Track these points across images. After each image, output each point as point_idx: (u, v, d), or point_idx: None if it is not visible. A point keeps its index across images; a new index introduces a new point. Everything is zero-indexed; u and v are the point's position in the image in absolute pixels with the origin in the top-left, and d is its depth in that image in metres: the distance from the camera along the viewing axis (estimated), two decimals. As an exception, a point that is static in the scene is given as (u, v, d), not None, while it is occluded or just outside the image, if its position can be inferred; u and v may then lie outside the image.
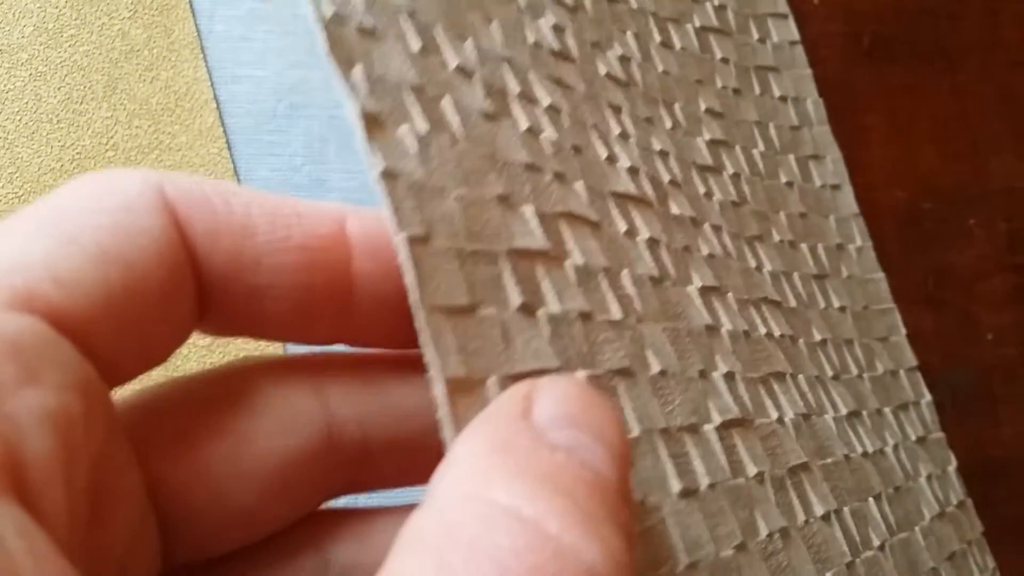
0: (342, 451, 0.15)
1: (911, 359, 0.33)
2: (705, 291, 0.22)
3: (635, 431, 0.17)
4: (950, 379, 0.34)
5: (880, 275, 0.34)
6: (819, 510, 0.22)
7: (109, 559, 0.11)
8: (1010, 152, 0.37)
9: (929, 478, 0.29)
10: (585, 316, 0.17)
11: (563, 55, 0.23)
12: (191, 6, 0.35)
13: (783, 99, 0.34)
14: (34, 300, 0.11)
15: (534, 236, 0.16)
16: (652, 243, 0.21)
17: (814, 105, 0.35)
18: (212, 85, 0.35)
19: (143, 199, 0.12)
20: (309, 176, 0.34)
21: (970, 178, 0.36)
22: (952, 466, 0.32)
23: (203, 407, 0.14)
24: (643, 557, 0.16)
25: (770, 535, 0.19)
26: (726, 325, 0.22)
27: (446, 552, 0.09)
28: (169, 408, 0.14)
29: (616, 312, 0.18)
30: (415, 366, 0.15)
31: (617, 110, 0.25)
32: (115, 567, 0.11)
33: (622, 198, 0.21)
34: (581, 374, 0.15)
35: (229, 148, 0.34)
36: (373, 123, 0.14)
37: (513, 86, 0.20)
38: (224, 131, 0.34)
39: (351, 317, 0.14)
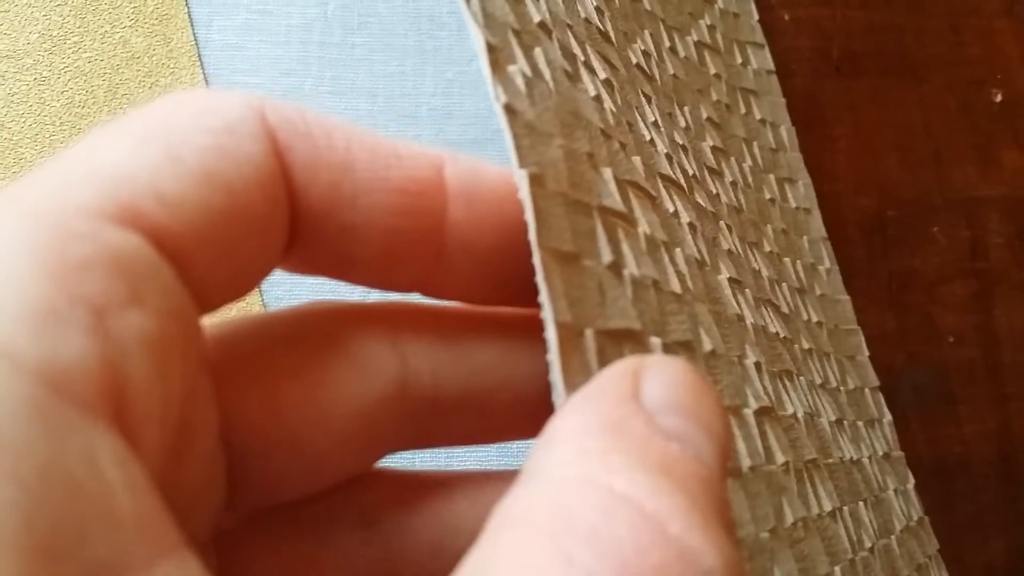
0: (414, 402, 0.14)
1: (874, 379, 0.34)
2: (731, 282, 0.22)
3: None
4: (913, 379, 0.36)
5: (846, 297, 0.35)
6: (827, 506, 0.22)
7: (183, 498, 0.11)
8: (971, 163, 0.38)
9: (896, 492, 0.31)
10: (656, 284, 0.16)
11: (606, 37, 0.23)
12: (189, 16, 0.37)
13: (763, 122, 0.35)
14: (139, 217, 0.10)
15: (614, 198, 0.16)
16: (692, 227, 0.21)
17: (787, 132, 0.36)
18: (208, 91, 0.36)
19: (246, 124, 0.12)
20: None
21: (933, 187, 0.38)
22: (911, 484, 0.33)
23: (281, 347, 0.13)
24: None
25: (794, 523, 0.19)
26: (749, 318, 0.22)
27: (563, 539, 0.09)
28: (248, 345, 0.13)
29: (677, 286, 0.17)
30: (489, 323, 0.15)
31: (648, 99, 0.24)
32: (186, 507, 0.11)
33: (666, 180, 0.21)
34: (656, 341, 0.15)
35: (224, 151, 0.36)
36: (495, 55, 0.14)
37: (579, 52, 0.19)
38: (219, 135, 0.36)
39: (437, 267, 0.14)
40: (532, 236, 0.12)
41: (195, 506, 0.12)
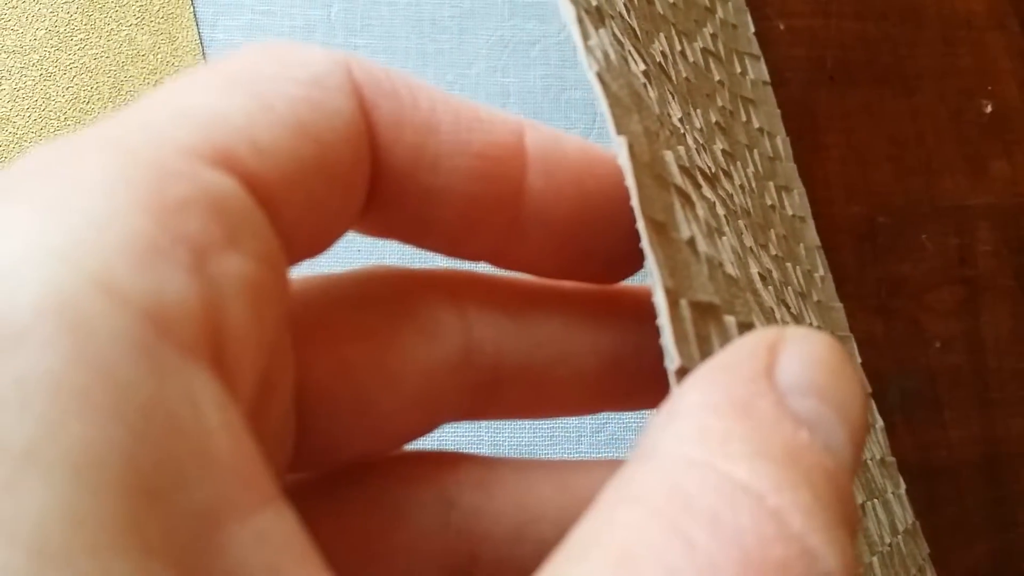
0: (477, 370, 0.14)
1: (867, 386, 0.35)
2: (760, 276, 0.22)
3: None
4: (900, 384, 0.36)
5: (839, 305, 0.35)
6: (859, 499, 0.23)
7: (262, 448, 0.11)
8: (961, 172, 0.39)
9: (894, 495, 0.31)
10: (720, 265, 0.16)
11: (635, 34, 0.23)
12: (195, 15, 0.38)
13: (760, 131, 0.36)
14: (233, 161, 0.10)
15: (678, 178, 0.16)
16: (727, 219, 0.21)
17: (783, 142, 0.37)
18: (212, 89, 0.37)
19: (334, 78, 0.12)
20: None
21: (923, 195, 0.38)
22: (902, 489, 0.33)
23: (352, 306, 0.13)
24: None
25: None
26: (776, 313, 0.22)
27: (680, 520, 0.09)
28: (319, 303, 0.13)
29: (732, 271, 0.17)
30: (553, 297, 0.15)
31: (672, 95, 0.25)
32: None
33: (701, 172, 0.21)
34: (730, 320, 0.15)
35: (226, 149, 0.36)
36: (583, 27, 0.14)
37: (624, 41, 0.19)
38: (222, 133, 0.36)
39: (511, 236, 0.14)
40: (635, 202, 0.12)
41: (271, 457, 0.12)
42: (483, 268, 0.15)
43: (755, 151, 0.34)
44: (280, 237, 0.11)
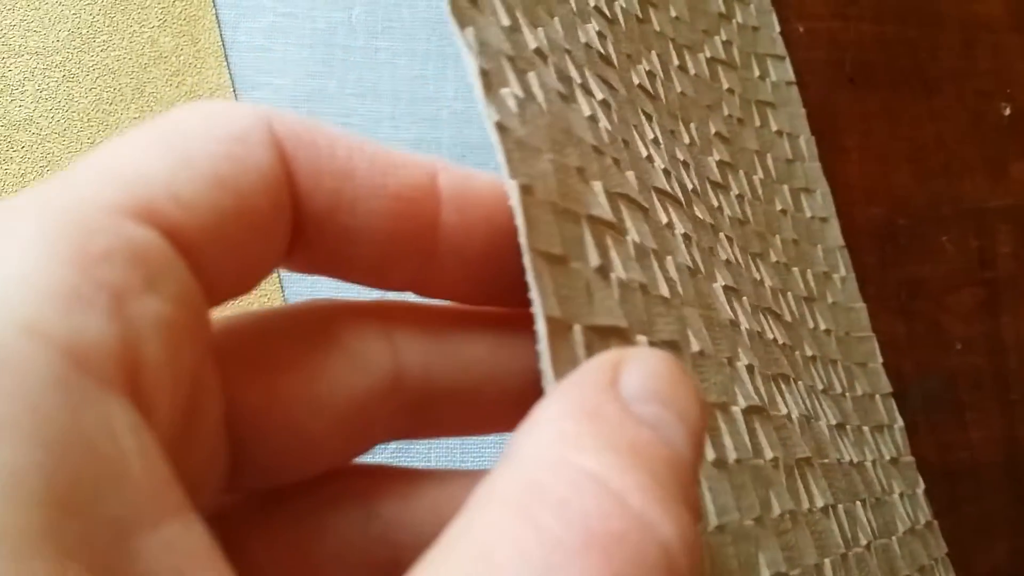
0: (406, 394, 0.15)
1: (886, 386, 0.35)
2: (727, 290, 0.23)
3: None
4: (921, 385, 0.36)
5: (861, 305, 0.35)
6: (819, 502, 0.23)
7: (189, 475, 0.12)
8: (981, 174, 0.39)
9: (902, 496, 0.31)
10: (643, 288, 0.17)
11: (607, 60, 0.24)
12: (217, 17, 0.38)
13: (779, 133, 0.36)
14: (155, 215, 0.11)
15: (603, 208, 0.17)
16: (686, 238, 0.22)
17: (806, 142, 0.37)
18: (234, 91, 0.37)
19: (255, 133, 0.13)
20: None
21: (943, 197, 0.38)
22: (920, 488, 0.33)
23: (282, 339, 0.14)
24: None
25: (782, 515, 0.20)
26: (744, 323, 0.23)
27: (534, 510, 0.10)
28: (251, 336, 0.14)
29: (665, 291, 0.18)
30: (478, 321, 0.16)
31: (649, 117, 0.26)
32: (191, 484, 0.11)
33: (661, 193, 0.22)
34: (642, 339, 0.16)
35: (248, 150, 0.36)
36: (487, 79, 0.15)
37: (576, 76, 0.20)
38: (244, 134, 0.36)
39: (430, 268, 0.15)
40: (522, 239, 0.13)
41: (199, 484, 0.13)
42: (411, 297, 0.16)
43: (768, 156, 0.34)
44: (201, 280, 0.12)
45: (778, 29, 0.38)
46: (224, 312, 0.14)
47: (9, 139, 0.35)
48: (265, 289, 0.35)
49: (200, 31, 0.37)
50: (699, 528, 0.12)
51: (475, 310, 0.16)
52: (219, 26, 0.37)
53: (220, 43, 0.37)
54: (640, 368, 0.12)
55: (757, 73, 0.36)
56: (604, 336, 0.14)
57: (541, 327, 0.13)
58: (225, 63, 0.37)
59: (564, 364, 0.13)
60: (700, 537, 0.12)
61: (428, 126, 0.37)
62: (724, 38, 0.35)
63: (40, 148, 0.35)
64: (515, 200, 0.14)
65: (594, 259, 0.16)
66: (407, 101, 0.37)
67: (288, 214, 0.13)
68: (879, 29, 0.40)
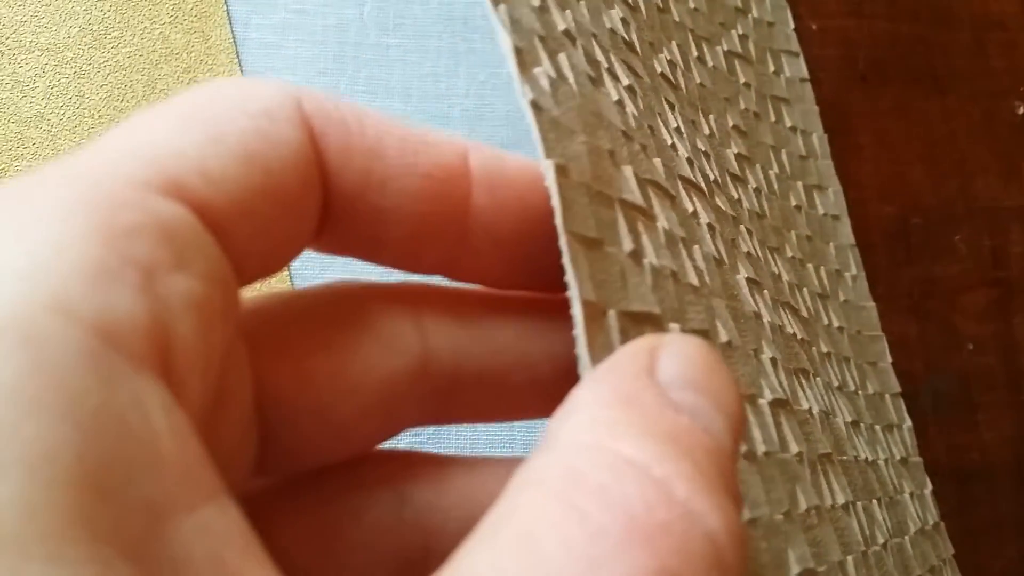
0: (435, 378, 0.15)
1: (895, 386, 0.34)
2: (750, 282, 0.23)
3: None
4: (933, 385, 0.36)
5: (871, 304, 0.35)
6: (840, 499, 0.23)
7: (219, 459, 0.11)
8: (994, 173, 0.39)
9: (912, 496, 0.31)
10: (674, 275, 0.17)
11: (631, 46, 0.24)
12: (228, 14, 0.38)
13: (793, 129, 0.35)
14: (183, 191, 0.11)
15: (634, 193, 0.16)
16: (711, 228, 0.22)
17: (819, 139, 0.37)
18: (245, 88, 0.37)
19: (284, 110, 0.12)
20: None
21: (956, 196, 0.38)
22: (928, 489, 0.33)
23: (311, 321, 0.14)
24: None
25: (808, 510, 0.20)
26: (766, 316, 0.23)
27: (574, 496, 0.10)
28: (280, 318, 0.14)
29: (694, 279, 0.18)
30: (507, 306, 0.16)
31: (672, 106, 0.25)
32: (222, 466, 0.11)
33: (686, 182, 0.22)
34: (674, 327, 0.15)
35: (259, 147, 0.36)
36: (521, 57, 0.14)
37: (602, 60, 0.20)
38: (255, 131, 0.36)
39: (461, 250, 0.15)
40: (558, 221, 0.13)
41: (229, 468, 0.12)
42: (440, 281, 0.16)
43: (783, 151, 0.34)
44: (231, 259, 0.12)
45: (792, 26, 0.38)
46: (250, 293, 0.14)
47: (21, 135, 0.35)
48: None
49: (211, 27, 0.37)
50: (742, 520, 0.12)
51: (504, 295, 0.16)
52: (230, 22, 0.37)
53: (231, 39, 0.37)
54: (677, 354, 0.12)
55: (772, 68, 0.36)
56: (638, 322, 0.14)
57: (577, 312, 0.12)
58: (236, 60, 0.37)
59: (599, 350, 0.12)
60: (745, 529, 0.11)
61: (439, 124, 0.37)
62: (740, 32, 0.35)
63: (51, 144, 0.35)
64: (551, 181, 0.13)
65: (627, 244, 0.15)
66: (418, 98, 0.37)
67: (317, 193, 0.13)
68: (892, 27, 0.40)
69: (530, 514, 0.10)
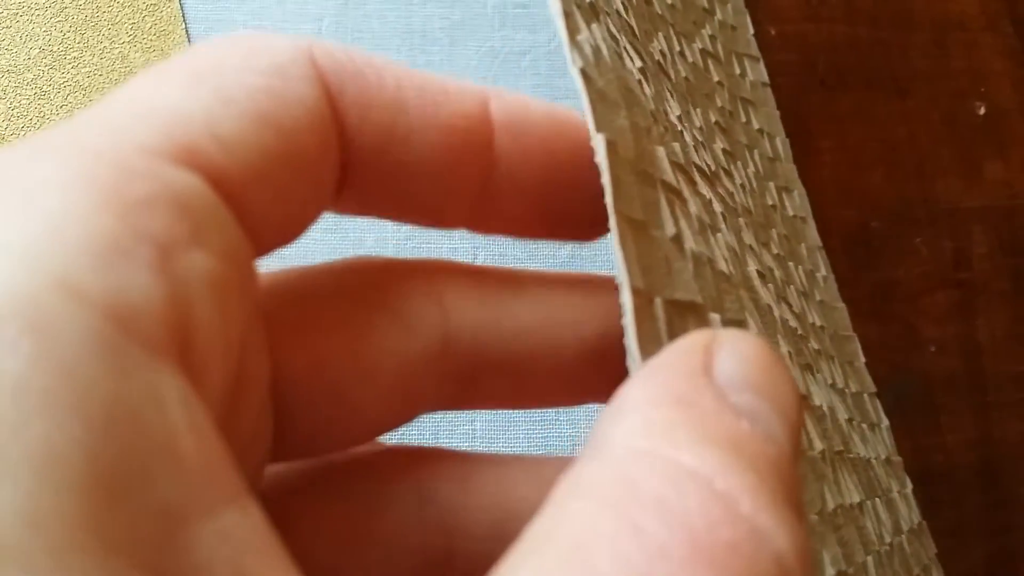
0: (455, 360, 0.14)
1: (871, 385, 0.35)
2: (759, 274, 0.22)
3: None
4: (895, 388, 0.36)
5: (842, 305, 0.35)
6: (856, 497, 0.23)
7: (236, 448, 0.10)
8: (955, 175, 0.39)
9: (900, 494, 0.31)
10: (711, 262, 0.16)
11: (632, 31, 0.23)
12: (187, 32, 0.38)
13: (760, 132, 0.35)
14: (197, 157, 0.10)
15: (669, 175, 0.16)
16: (724, 217, 0.21)
17: (782, 143, 0.37)
18: (205, 105, 0.37)
19: (296, 66, 0.12)
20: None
21: (916, 199, 0.38)
22: (908, 488, 0.33)
23: (328, 299, 0.13)
24: None
25: (834, 510, 0.19)
26: (775, 310, 0.22)
27: (629, 508, 0.09)
28: (295, 296, 0.13)
29: (724, 267, 0.17)
30: (532, 284, 0.15)
31: (671, 93, 0.25)
32: (239, 457, 0.10)
33: (698, 169, 0.21)
34: (715, 317, 0.15)
35: (219, 164, 0.36)
36: (570, 21, 0.14)
37: (621, 39, 0.19)
38: (215, 148, 0.37)
39: (486, 200, 0.14)
40: (609, 201, 0.12)
41: (246, 460, 0.12)
42: (462, 258, 0.15)
43: (755, 151, 0.34)
44: (247, 231, 0.11)
45: (752, 31, 0.38)
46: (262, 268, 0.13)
47: (-20, 158, 0.35)
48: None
49: (170, 46, 0.37)
50: (808, 535, 0.11)
51: (531, 273, 0.15)
52: (189, 41, 0.37)
53: (190, 57, 0.37)
54: (735, 353, 0.11)
55: (738, 71, 0.36)
56: (682, 312, 0.13)
57: (627, 300, 0.11)
58: (195, 77, 0.37)
59: (648, 342, 0.12)
60: (811, 545, 0.11)
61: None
62: (710, 32, 0.35)
63: (12, 166, 0.35)
64: (601, 156, 0.12)
65: (670, 227, 0.14)
66: (377, 112, 0.37)
67: (336, 152, 0.12)
68: (851, 30, 0.40)
69: (581, 526, 0.09)
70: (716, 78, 0.33)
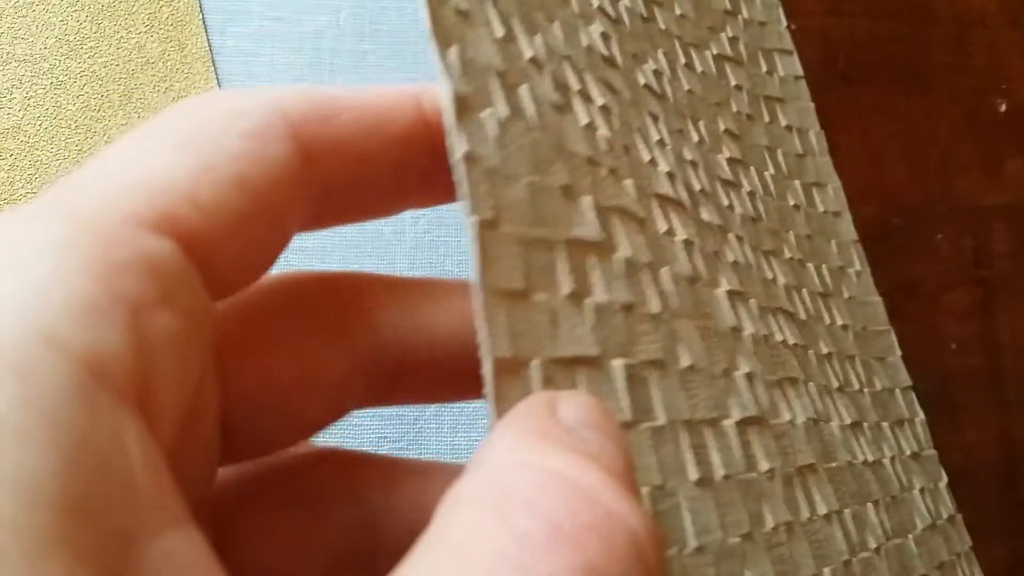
0: (382, 364, 0.16)
1: (906, 379, 0.34)
2: (731, 295, 0.23)
3: (661, 420, 0.17)
4: (915, 386, 0.36)
5: (877, 299, 0.35)
6: (822, 509, 0.23)
7: (185, 474, 0.12)
8: (976, 171, 0.38)
9: (922, 491, 0.31)
10: (627, 308, 0.17)
11: (610, 61, 0.24)
12: (204, 22, 0.38)
13: (788, 128, 0.35)
14: (175, 224, 0.11)
15: (590, 227, 0.17)
16: (688, 244, 0.22)
17: (816, 136, 0.36)
18: (222, 96, 0.37)
19: (271, 128, 0.13)
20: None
21: (937, 196, 0.38)
22: (943, 482, 0.33)
23: (271, 320, 0.15)
24: None
25: (775, 528, 0.20)
26: (748, 329, 0.23)
27: (504, 509, 0.10)
28: (242, 318, 0.15)
29: (655, 306, 0.18)
30: (446, 291, 0.16)
31: (655, 118, 0.25)
32: (187, 482, 0.12)
33: (663, 199, 0.22)
34: (618, 363, 0.16)
35: (236, 155, 0.36)
36: (463, 105, 0.15)
37: (574, 83, 0.20)
38: (232, 139, 0.36)
39: (432, 181, 0.15)
40: (476, 278, 0.13)
41: (194, 479, 0.13)
42: (384, 271, 0.17)
43: (778, 151, 0.34)
44: (216, 279, 0.12)
45: (784, 24, 0.38)
46: None
47: (-4, 147, 0.35)
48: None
49: (187, 36, 0.37)
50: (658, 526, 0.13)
51: (446, 282, 0.17)
52: (206, 31, 0.37)
53: (207, 48, 0.37)
54: (573, 403, 0.13)
55: (765, 68, 0.36)
56: (568, 366, 0.14)
57: (488, 369, 0.13)
58: (212, 68, 0.37)
59: (514, 402, 0.13)
60: (662, 532, 0.12)
61: (416, 129, 0.37)
62: (731, 34, 0.35)
63: (28, 156, 0.35)
64: (472, 238, 0.14)
65: (566, 286, 0.15)
66: (395, 104, 0.37)
67: (306, 196, 0.14)
68: (872, 26, 0.39)
69: (465, 528, 0.10)
70: (734, 82, 0.33)
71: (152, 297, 0.11)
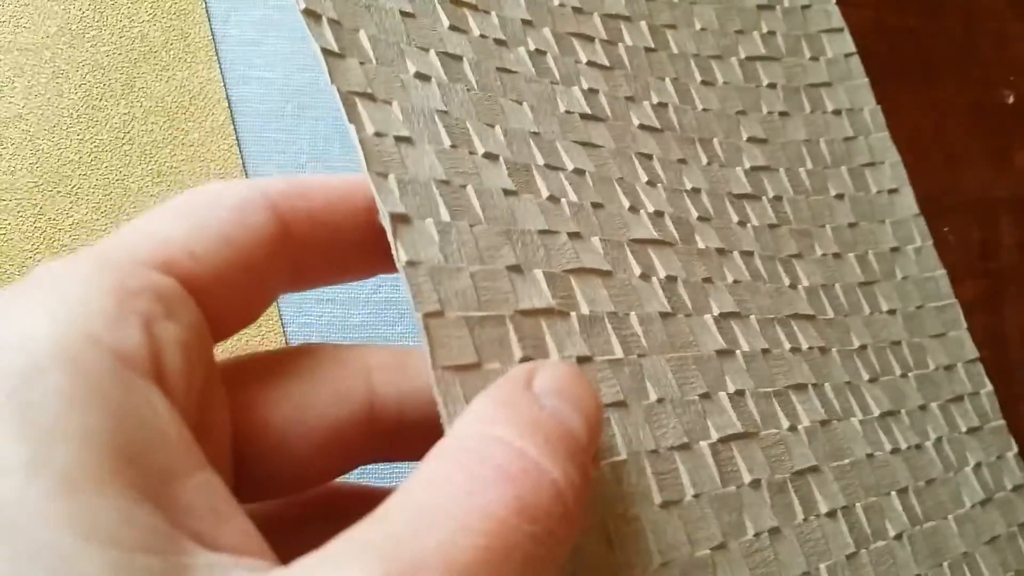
0: (382, 423, 0.19)
1: (971, 351, 0.34)
2: (723, 317, 0.24)
3: (623, 454, 0.19)
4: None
5: (941, 272, 0.34)
6: (824, 508, 0.24)
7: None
8: (984, 164, 0.38)
9: (978, 466, 0.30)
10: (584, 359, 0.20)
11: (594, 117, 0.25)
12: (207, 11, 0.37)
13: (837, 112, 0.35)
14: (174, 267, 0.15)
15: (542, 296, 0.19)
16: (669, 280, 0.24)
17: (871, 114, 0.36)
18: (224, 85, 0.36)
19: (253, 203, 0.17)
20: (314, 173, 0.36)
21: (945, 188, 0.38)
22: (1012, 452, 0.32)
23: (278, 376, 0.18)
24: (618, 560, 0.18)
25: (757, 535, 0.21)
26: (743, 347, 0.24)
27: (462, 460, 0.14)
28: (254, 373, 0.18)
29: (618, 351, 0.21)
30: None
31: (648, 158, 0.26)
32: None
33: (641, 243, 0.24)
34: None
35: (239, 145, 0.36)
36: (400, 222, 0.17)
37: (539, 158, 0.22)
38: (235, 129, 0.36)
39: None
40: (427, 361, 0.16)
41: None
42: (386, 342, 0.18)
43: (820, 141, 0.33)
44: (212, 316, 0.16)
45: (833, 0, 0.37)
46: (234, 351, 0.18)
47: (0, 136, 0.35)
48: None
49: (190, 25, 0.37)
50: (587, 487, 0.15)
51: None
52: (209, 20, 0.37)
53: (210, 37, 0.37)
54: (549, 372, 0.16)
55: (808, 55, 0.35)
56: None
57: (448, 432, 0.15)
58: (215, 57, 0.37)
59: None
60: (587, 488, 0.15)
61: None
62: (765, 30, 0.34)
63: (30, 145, 0.35)
64: (420, 329, 0.17)
65: (517, 353, 0.18)
66: (399, 94, 0.37)
67: (287, 258, 0.17)
68: (878, 17, 0.39)
69: (432, 472, 0.14)
70: (766, 81, 0.33)
71: (159, 312, 0.15)
